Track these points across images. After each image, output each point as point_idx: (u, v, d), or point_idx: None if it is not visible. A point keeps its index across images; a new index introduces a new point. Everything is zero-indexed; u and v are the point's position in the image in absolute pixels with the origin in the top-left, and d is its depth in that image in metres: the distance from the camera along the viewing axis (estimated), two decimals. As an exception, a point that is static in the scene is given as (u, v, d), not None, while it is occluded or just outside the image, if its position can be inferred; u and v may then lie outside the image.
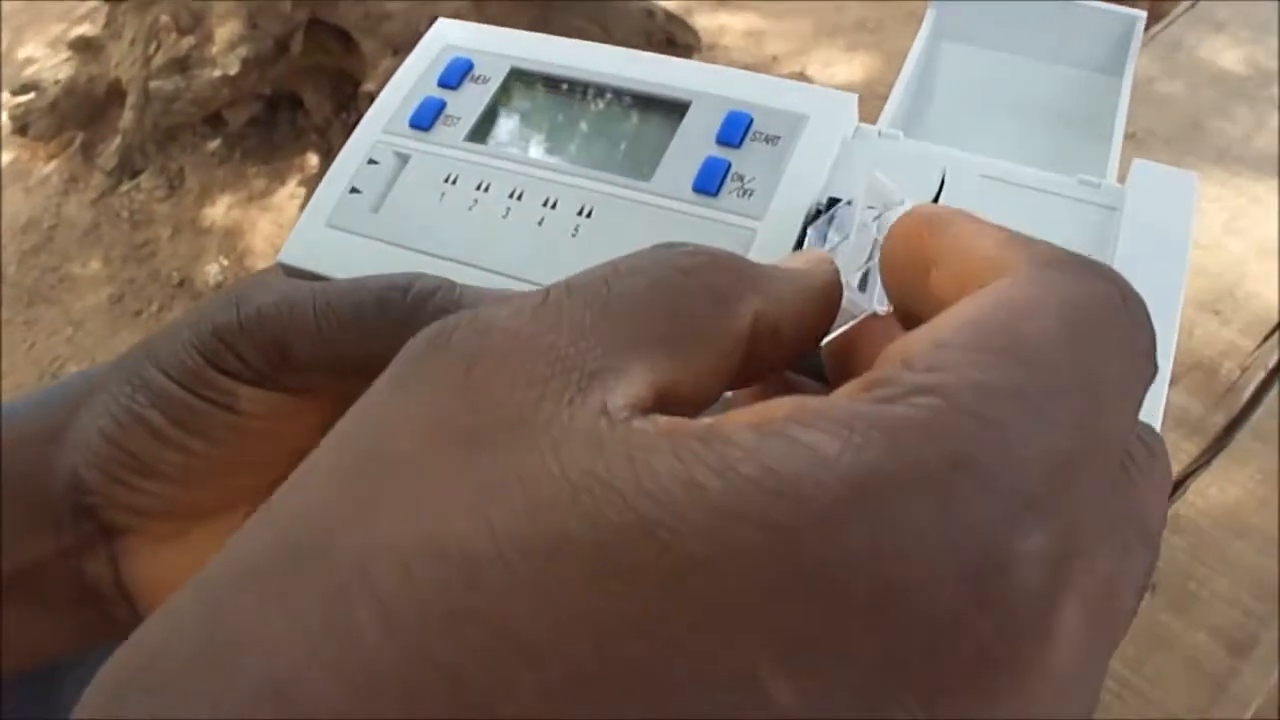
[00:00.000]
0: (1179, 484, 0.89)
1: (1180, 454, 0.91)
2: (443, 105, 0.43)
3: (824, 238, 0.35)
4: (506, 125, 0.43)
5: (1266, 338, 1.00)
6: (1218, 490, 0.88)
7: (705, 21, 2.73)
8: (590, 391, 0.20)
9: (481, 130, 0.43)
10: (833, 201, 0.38)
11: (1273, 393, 0.96)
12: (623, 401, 0.20)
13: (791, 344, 0.27)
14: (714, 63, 2.62)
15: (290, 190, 2.32)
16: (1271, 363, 0.98)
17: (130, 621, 0.39)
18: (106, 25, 2.38)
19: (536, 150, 0.42)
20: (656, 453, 0.18)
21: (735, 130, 0.40)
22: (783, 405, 0.19)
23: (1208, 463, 0.90)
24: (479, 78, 0.44)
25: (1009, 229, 0.25)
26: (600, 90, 0.44)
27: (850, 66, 2.59)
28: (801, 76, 2.58)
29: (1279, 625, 0.80)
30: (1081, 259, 0.24)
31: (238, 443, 0.37)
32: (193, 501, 0.38)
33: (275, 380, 0.37)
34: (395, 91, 0.45)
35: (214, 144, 2.44)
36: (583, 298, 0.23)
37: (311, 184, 2.26)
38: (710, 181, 0.39)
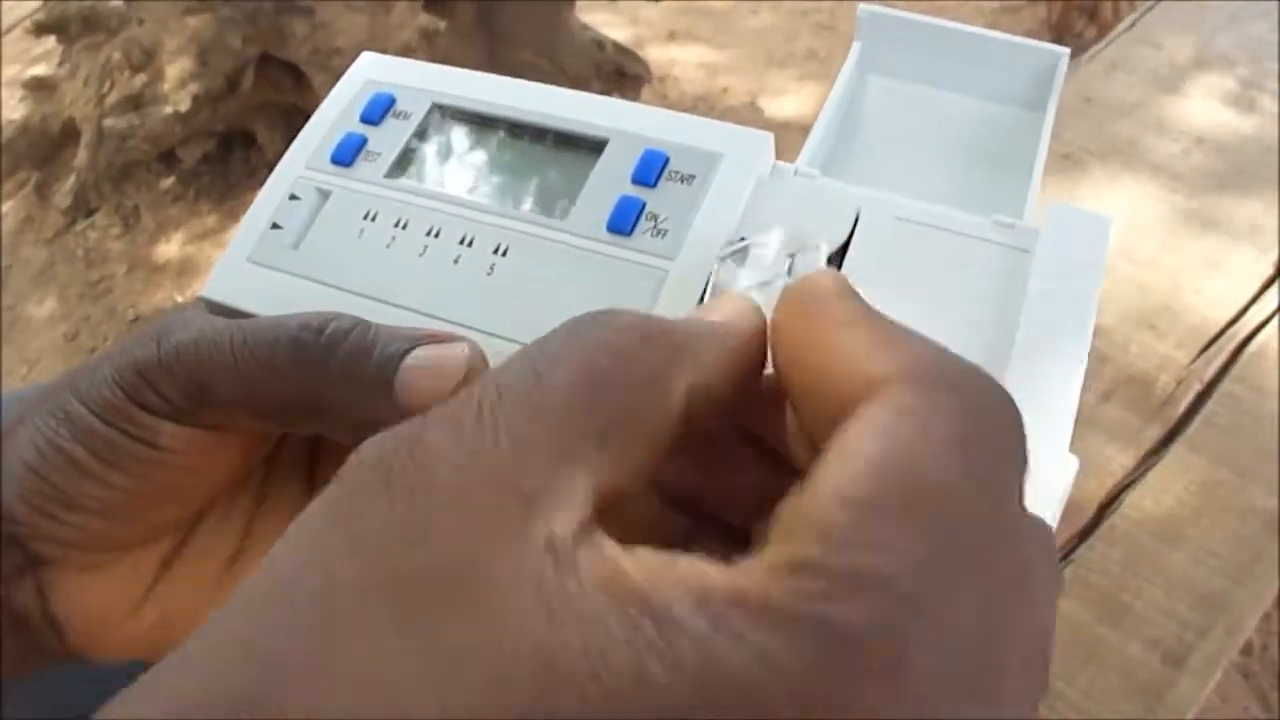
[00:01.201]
0: (1114, 497, 0.90)
1: (1115, 466, 0.92)
2: (364, 141, 0.43)
3: (734, 274, 0.35)
4: (426, 162, 0.43)
5: (1202, 351, 1.01)
6: (1152, 502, 0.89)
7: (656, 53, 2.74)
8: (533, 518, 0.21)
9: (401, 166, 0.43)
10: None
11: (1208, 405, 0.97)
12: (566, 530, 0.21)
13: (725, 403, 0.27)
14: (665, 94, 2.64)
15: (244, 226, 2.31)
16: (1207, 376, 0.99)
17: (58, 651, 0.39)
18: (61, 64, 2.38)
19: (455, 187, 0.42)
20: (608, 631, 0.19)
21: (650, 170, 0.40)
22: (721, 578, 0.20)
23: (1143, 475, 0.91)
24: (401, 113, 0.44)
25: (882, 321, 0.26)
26: (518, 127, 0.43)
27: (800, 97, 2.60)
28: (752, 107, 2.59)
29: (1214, 635, 0.81)
30: (954, 366, 0.24)
31: (159, 477, 0.37)
32: (116, 533, 0.38)
33: (196, 417, 0.37)
34: (318, 126, 0.44)
35: (168, 181, 2.44)
36: (514, 402, 0.23)
37: (266, 220, 2.25)
38: (624, 221, 0.39)
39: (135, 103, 2.17)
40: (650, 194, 0.40)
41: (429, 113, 0.44)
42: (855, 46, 0.52)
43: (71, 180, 2.27)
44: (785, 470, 0.29)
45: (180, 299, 2.25)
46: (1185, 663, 0.79)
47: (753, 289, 0.34)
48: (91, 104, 2.17)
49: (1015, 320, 0.36)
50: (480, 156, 0.43)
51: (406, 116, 0.44)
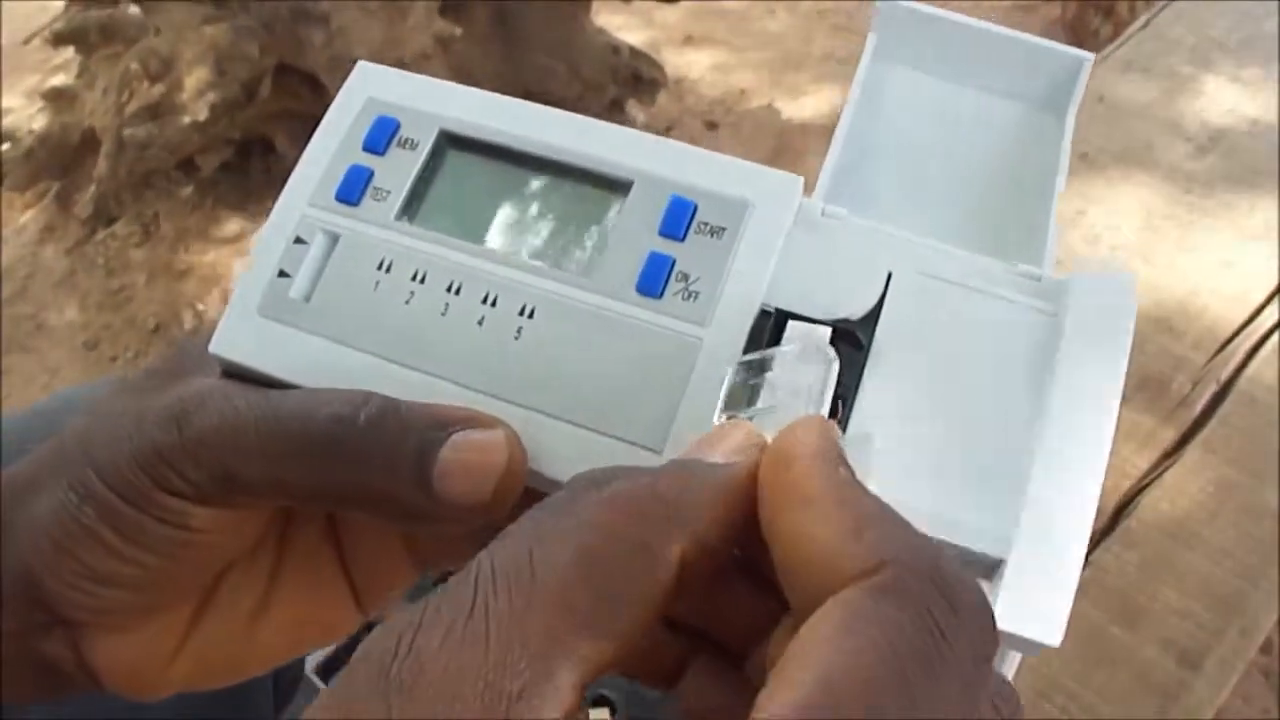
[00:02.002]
0: (1130, 498, 0.90)
1: (1131, 468, 0.92)
2: (370, 175, 0.41)
3: (747, 385, 0.34)
4: (439, 202, 0.41)
5: (1218, 351, 1.01)
6: (1168, 503, 0.89)
7: (673, 57, 2.74)
8: (514, 716, 0.23)
9: (412, 207, 0.40)
10: (780, 315, 0.37)
11: (1224, 406, 0.97)
12: None
13: (723, 552, 0.28)
14: (682, 97, 2.65)
15: (263, 234, 2.33)
16: (1223, 376, 0.99)
17: (95, 690, 0.39)
18: (80, 75, 2.39)
19: (472, 234, 0.40)
20: None
21: (678, 221, 0.38)
22: None
23: (1159, 476, 0.91)
24: (407, 141, 0.41)
25: (854, 498, 0.27)
26: (535, 163, 0.41)
27: (818, 99, 2.60)
28: (769, 109, 2.59)
29: (1229, 637, 0.80)
30: (914, 561, 0.25)
31: (190, 553, 0.37)
32: (146, 602, 0.38)
33: (225, 500, 0.36)
34: (318, 156, 0.42)
35: (188, 190, 2.45)
36: (507, 586, 0.24)
37: (284, 227, 2.26)
38: (654, 282, 0.38)
39: (154, 112, 2.18)
40: (679, 249, 0.38)
41: (436, 142, 0.41)
42: (871, 37, 0.51)
43: (92, 189, 2.28)
44: (780, 598, 0.30)
45: (201, 307, 2.26)
46: (1200, 664, 0.79)
47: (761, 413, 0.33)
48: (111, 114, 2.19)
49: (1044, 388, 0.35)
50: (496, 197, 0.41)
51: (413, 146, 0.41)
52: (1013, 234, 0.43)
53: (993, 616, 0.26)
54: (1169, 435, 0.94)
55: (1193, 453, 0.93)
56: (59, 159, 2.38)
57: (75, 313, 2.32)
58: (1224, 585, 0.83)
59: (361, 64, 0.44)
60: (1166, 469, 0.91)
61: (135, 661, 0.39)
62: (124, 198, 2.37)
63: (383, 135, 0.41)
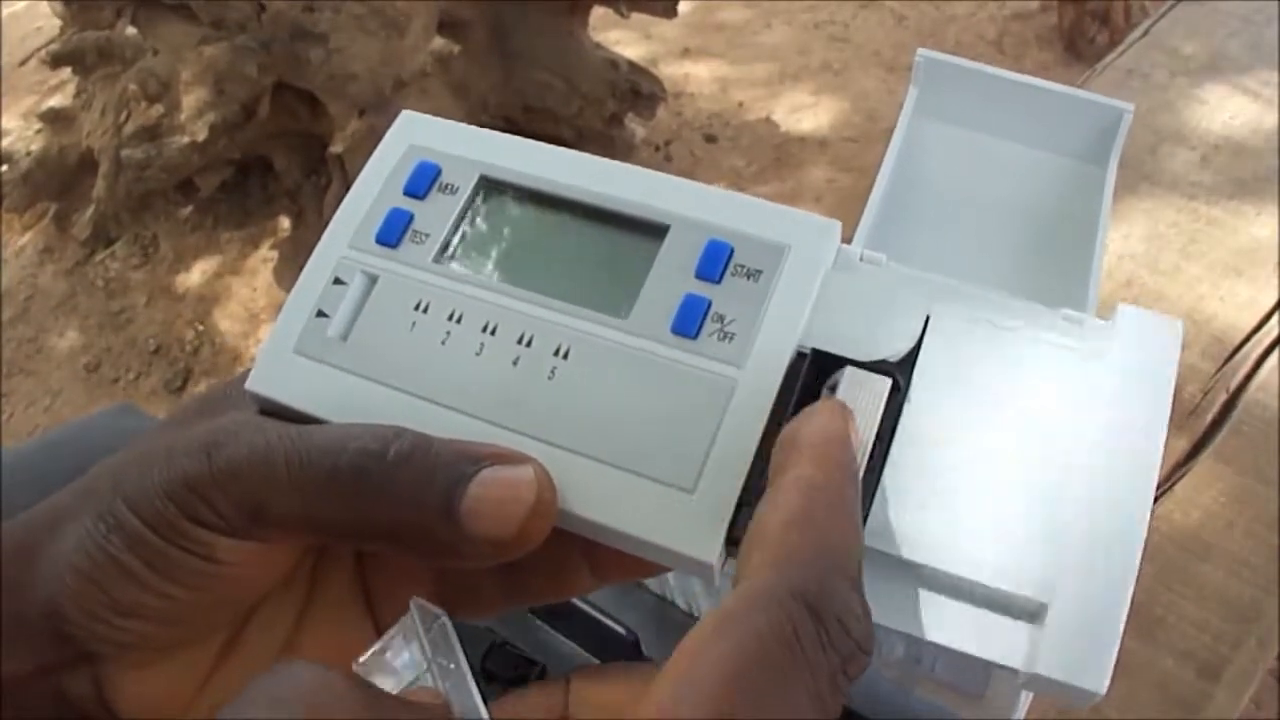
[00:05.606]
0: (1144, 509, 0.89)
1: (1144, 479, 0.91)
2: (410, 218, 0.41)
3: None
4: (477, 245, 0.41)
5: (1228, 359, 1.00)
6: (1182, 514, 0.88)
7: (670, 70, 2.75)
8: None
9: (450, 250, 0.41)
10: (816, 356, 0.37)
11: (1234, 414, 0.96)
12: None
13: None
14: (680, 111, 2.65)
15: (263, 254, 2.33)
16: (1232, 385, 0.99)
17: None
18: (77, 96, 2.39)
19: (509, 275, 0.40)
20: None
21: (715, 263, 0.38)
22: None
23: (1171, 487, 0.91)
24: (447, 186, 0.41)
25: (799, 499, 0.30)
26: (574, 207, 0.41)
27: (816, 110, 2.61)
28: (768, 122, 2.60)
29: (1247, 647, 0.80)
30: (789, 575, 0.28)
31: (216, 587, 0.37)
32: (171, 636, 0.38)
33: (252, 533, 0.36)
34: (360, 199, 0.42)
35: (187, 211, 2.45)
36: None
37: (284, 247, 2.26)
38: (689, 323, 0.37)
39: (152, 133, 2.18)
40: (715, 291, 0.38)
41: (477, 187, 0.41)
42: (911, 92, 0.50)
43: (90, 211, 2.28)
44: None
45: (201, 328, 2.26)
46: (1220, 675, 0.78)
47: None
48: (109, 134, 2.19)
49: (1086, 430, 0.35)
50: (534, 240, 0.41)
51: (453, 191, 0.41)
52: (1055, 283, 0.42)
53: (864, 639, 0.28)
54: (1181, 446, 0.94)
55: (1205, 462, 0.93)
56: (57, 180, 2.39)
57: (75, 335, 2.32)
58: (1240, 595, 0.83)
59: (405, 113, 0.44)
60: (1179, 480, 0.91)
61: (157, 700, 0.39)
62: (123, 219, 2.37)
63: (424, 180, 0.42)
